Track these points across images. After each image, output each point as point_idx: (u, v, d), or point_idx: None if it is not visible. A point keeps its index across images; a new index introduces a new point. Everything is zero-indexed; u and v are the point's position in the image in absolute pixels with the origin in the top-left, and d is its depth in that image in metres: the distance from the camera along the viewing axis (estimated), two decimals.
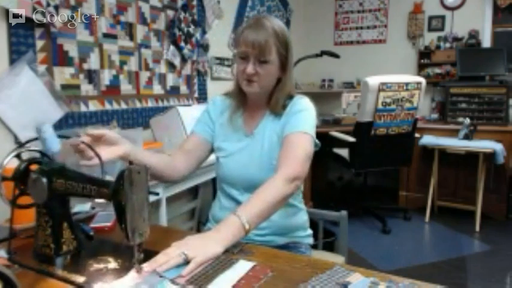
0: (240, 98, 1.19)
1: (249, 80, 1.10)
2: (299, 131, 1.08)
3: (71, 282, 0.76)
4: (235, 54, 1.14)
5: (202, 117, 1.26)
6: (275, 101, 1.15)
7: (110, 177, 0.87)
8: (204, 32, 2.65)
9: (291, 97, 1.17)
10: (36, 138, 0.95)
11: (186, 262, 0.79)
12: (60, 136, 0.92)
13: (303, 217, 1.24)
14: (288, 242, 1.18)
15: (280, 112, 1.15)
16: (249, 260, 0.84)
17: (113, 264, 0.83)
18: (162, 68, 2.29)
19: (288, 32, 1.15)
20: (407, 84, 2.79)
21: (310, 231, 1.26)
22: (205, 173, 2.02)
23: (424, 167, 3.43)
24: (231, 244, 0.88)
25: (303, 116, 1.11)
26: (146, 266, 0.77)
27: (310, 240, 1.25)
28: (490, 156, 2.99)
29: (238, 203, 1.16)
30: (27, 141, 0.97)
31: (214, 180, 2.17)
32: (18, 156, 0.92)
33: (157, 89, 2.26)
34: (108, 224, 1.09)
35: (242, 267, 0.81)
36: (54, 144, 0.88)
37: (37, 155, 0.97)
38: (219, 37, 2.88)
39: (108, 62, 1.90)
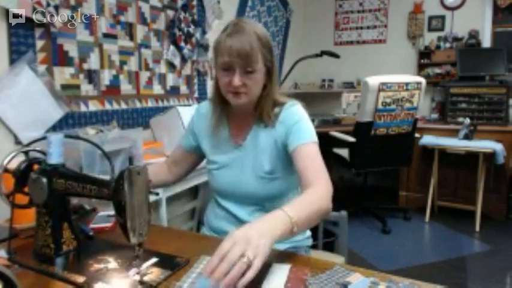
0: (223, 108, 1.14)
1: (236, 92, 1.03)
2: (310, 141, 1.05)
3: (71, 282, 0.76)
4: (216, 65, 1.05)
5: (188, 128, 1.27)
6: (261, 110, 1.09)
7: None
8: (204, 32, 2.65)
9: (281, 104, 1.11)
10: (39, 139, 0.95)
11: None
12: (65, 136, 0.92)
13: None
14: (287, 247, 1.17)
15: (268, 122, 1.10)
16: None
17: (112, 264, 0.83)
18: (162, 68, 2.29)
19: (269, 34, 1.08)
20: (407, 84, 2.79)
21: (308, 233, 1.25)
22: (205, 173, 2.01)
23: (424, 167, 3.43)
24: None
25: (305, 125, 1.08)
26: (204, 270, 0.65)
27: (309, 242, 1.25)
28: (490, 156, 2.99)
29: (231, 214, 1.15)
30: (31, 142, 0.97)
31: None
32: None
33: (157, 89, 2.26)
34: (109, 224, 1.09)
35: (281, 270, 0.78)
36: (56, 158, 0.88)
37: (38, 154, 0.97)
38: None
39: (108, 62, 1.90)
